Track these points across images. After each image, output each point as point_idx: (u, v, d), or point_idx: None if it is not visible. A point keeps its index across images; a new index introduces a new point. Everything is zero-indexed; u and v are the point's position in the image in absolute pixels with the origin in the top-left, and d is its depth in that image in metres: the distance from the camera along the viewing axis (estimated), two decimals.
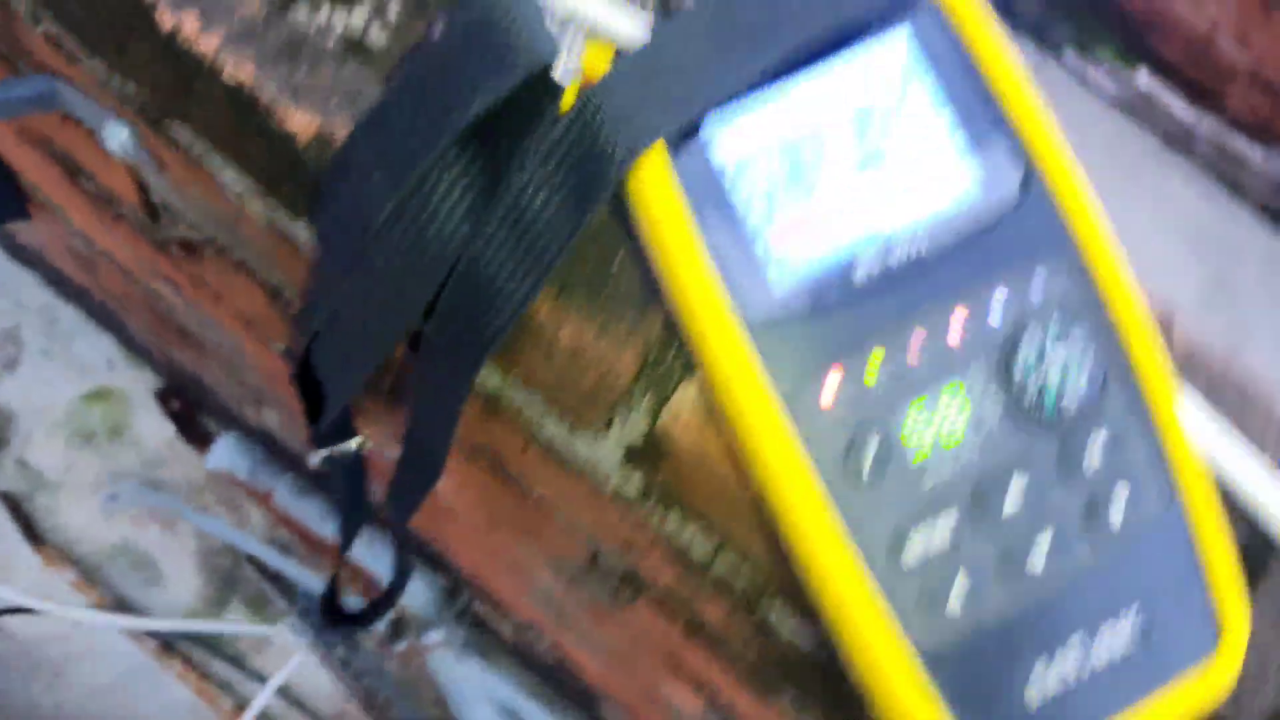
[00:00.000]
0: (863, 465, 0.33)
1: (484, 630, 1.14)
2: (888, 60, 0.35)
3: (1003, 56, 0.35)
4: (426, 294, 0.38)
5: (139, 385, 1.31)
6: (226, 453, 1.12)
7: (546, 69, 0.33)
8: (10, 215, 0.95)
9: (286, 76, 0.37)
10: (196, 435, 1.32)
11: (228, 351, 0.93)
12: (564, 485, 0.53)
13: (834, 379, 0.33)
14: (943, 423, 0.33)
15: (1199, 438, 0.37)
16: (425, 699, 1.18)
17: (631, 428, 0.39)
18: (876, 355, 0.33)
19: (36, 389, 1.26)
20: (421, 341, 0.41)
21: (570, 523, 0.59)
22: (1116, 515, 0.34)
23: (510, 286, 0.36)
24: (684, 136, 0.34)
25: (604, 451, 0.45)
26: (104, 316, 1.27)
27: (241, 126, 0.39)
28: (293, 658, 1.00)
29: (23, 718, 1.20)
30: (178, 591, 1.26)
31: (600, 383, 0.38)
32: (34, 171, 0.79)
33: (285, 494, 1.08)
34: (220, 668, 1.24)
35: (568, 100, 0.34)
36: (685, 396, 0.38)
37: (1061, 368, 0.34)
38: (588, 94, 0.32)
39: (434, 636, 1.05)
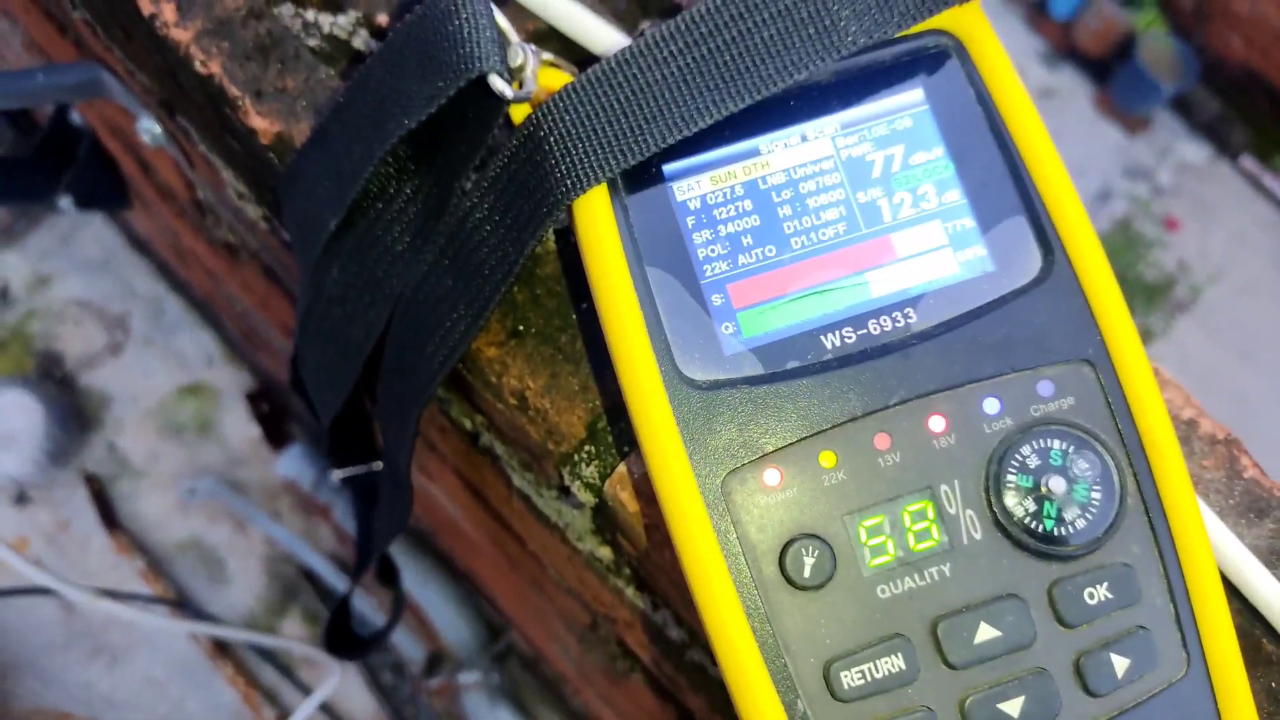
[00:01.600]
0: (803, 570, 0.28)
1: (521, 677, 1.10)
2: (898, 114, 0.30)
3: (1034, 125, 0.29)
4: (377, 321, 0.35)
5: (233, 384, 1.33)
6: (294, 462, 1.12)
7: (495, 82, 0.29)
8: (114, 203, 0.98)
9: (256, 75, 0.35)
10: (281, 439, 1.33)
11: (286, 358, 0.92)
12: (547, 542, 0.49)
13: (775, 470, 0.28)
14: (904, 539, 0.28)
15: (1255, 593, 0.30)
16: None
17: (581, 496, 0.35)
18: (829, 454, 0.28)
19: (136, 377, 1.30)
20: (380, 368, 0.38)
21: (561, 582, 0.55)
22: (1117, 676, 0.28)
23: (453, 318, 0.32)
24: (648, 169, 0.30)
25: (570, 514, 0.41)
26: (205, 312, 1.30)
27: (220, 120, 0.37)
28: (337, 675, 0.99)
29: (79, 695, 1.22)
30: (240, 593, 1.27)
31: (547, 440, 0.34)
32: (122, 162, 0.81)
33: (343, 512, 1.07)
34: (269, 675, 1.24)
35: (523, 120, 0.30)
36: (635, 470, 0.33)
37: (1068, 489, 0.28)
38: (535, 115, 0.29)
39: (468, 677, 1.02)
